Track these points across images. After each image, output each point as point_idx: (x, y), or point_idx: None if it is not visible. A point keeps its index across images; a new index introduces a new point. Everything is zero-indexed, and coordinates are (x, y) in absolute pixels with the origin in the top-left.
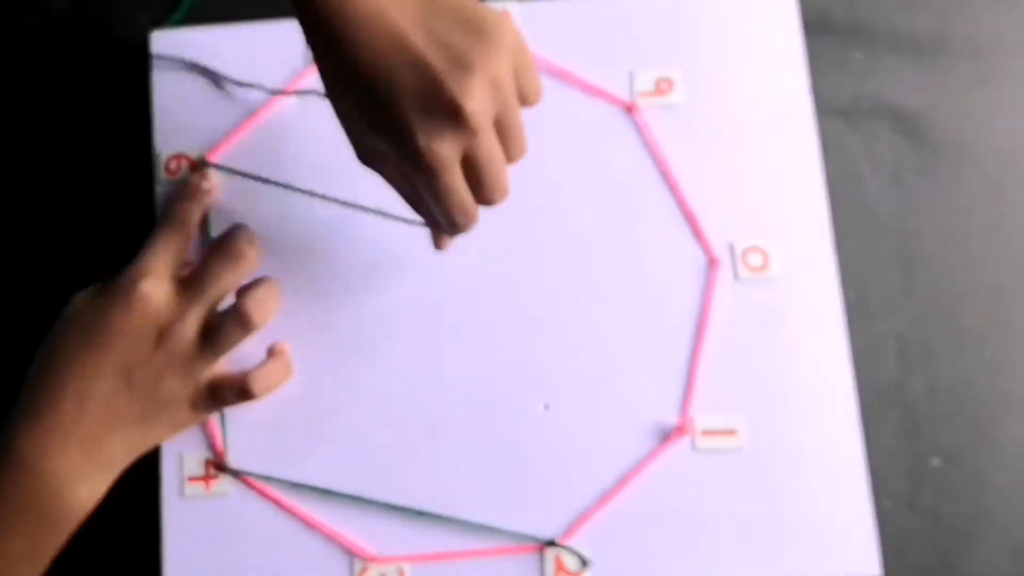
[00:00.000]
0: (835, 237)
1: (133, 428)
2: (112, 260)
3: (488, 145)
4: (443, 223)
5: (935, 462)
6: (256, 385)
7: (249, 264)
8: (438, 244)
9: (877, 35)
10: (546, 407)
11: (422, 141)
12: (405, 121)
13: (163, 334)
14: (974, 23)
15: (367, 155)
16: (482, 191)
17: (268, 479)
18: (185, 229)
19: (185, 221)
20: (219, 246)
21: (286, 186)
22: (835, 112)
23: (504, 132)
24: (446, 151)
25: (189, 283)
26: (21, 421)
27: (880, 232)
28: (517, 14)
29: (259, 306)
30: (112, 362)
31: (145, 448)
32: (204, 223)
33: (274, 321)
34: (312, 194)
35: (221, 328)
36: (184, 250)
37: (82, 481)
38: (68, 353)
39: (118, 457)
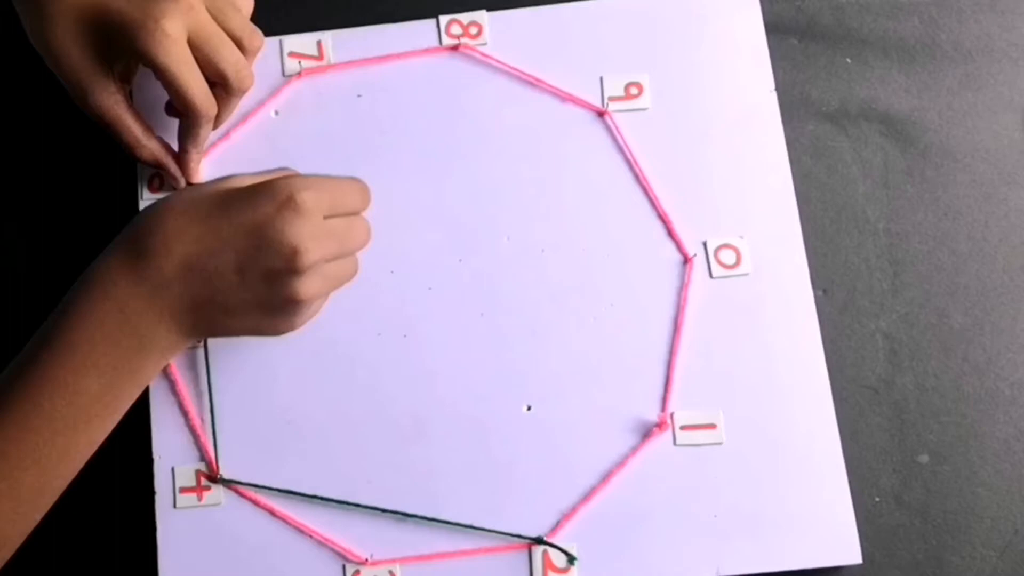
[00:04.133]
0: (825, 239)
1: (223, 316)
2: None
3: (207, 17)
4: (183, 111)
5: (923, 459)
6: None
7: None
8: (185, 170)
9: (866, 40)
10: (528, 408)
11: (150, 23)
12: (130, 18)
13: (305, 253)
14: (961, 28)
15: (95, 91)
16: (220, 69)
17: (259, 488)
18: (357, 195)
19: (363, 192)
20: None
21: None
22: (825, 116)
23: (224, 23)
24: (172, 26)
25: (335, 223)
26: (115, 259)
27: (869, 233)
28: (488, 23)
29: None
30: (235, 249)
31: (224, 335)
32: None
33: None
34: None
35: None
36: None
37: (165, 336)
38: (188, 218)
39: (200, 332)
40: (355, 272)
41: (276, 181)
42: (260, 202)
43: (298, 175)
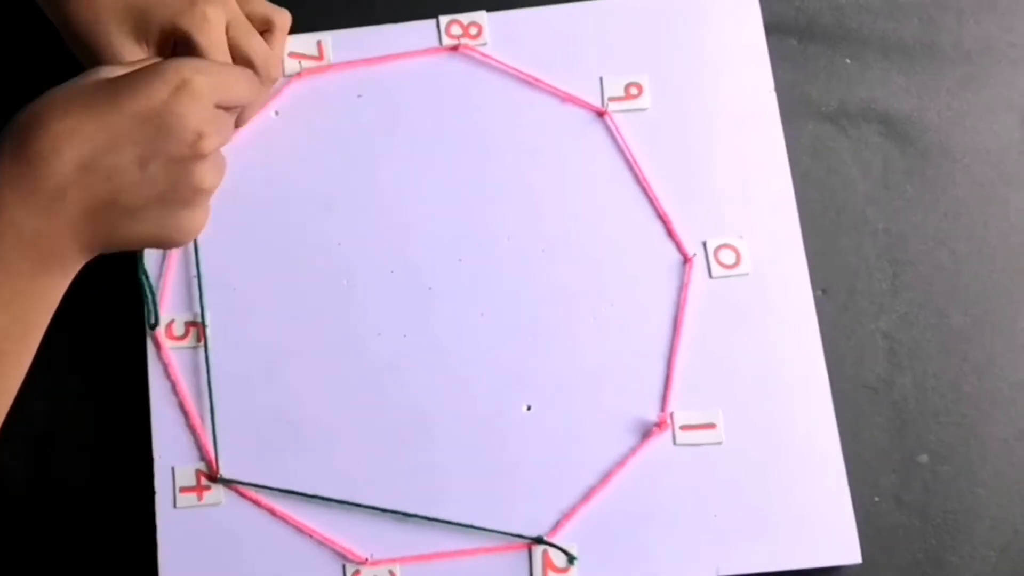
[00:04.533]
0: (824, 239)
1: (124, 218)
2: (102, 270)
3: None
4: None
5: (923, 458)
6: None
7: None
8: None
9: (866, 41)
10: (529, 408)
11: (193, 6)
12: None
13: (206, 138)
14: (961, 28)
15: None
16: (249, 57)
17: (259, 487)
18: (246, 85)
19: (252, 82)
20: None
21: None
22: (824, 116)
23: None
24: (213, 12)
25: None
26: (7, 170)
27: (869, 233)
28: (487, 23)
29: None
30: (137, 143)
31: (120, 247)
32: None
33: (261, 330)
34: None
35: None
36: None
37: (63, 258)
38: (80, 107)
39: (96, 246)
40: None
41: (163, 64)
42: (152, 87)
43: (191, 60)
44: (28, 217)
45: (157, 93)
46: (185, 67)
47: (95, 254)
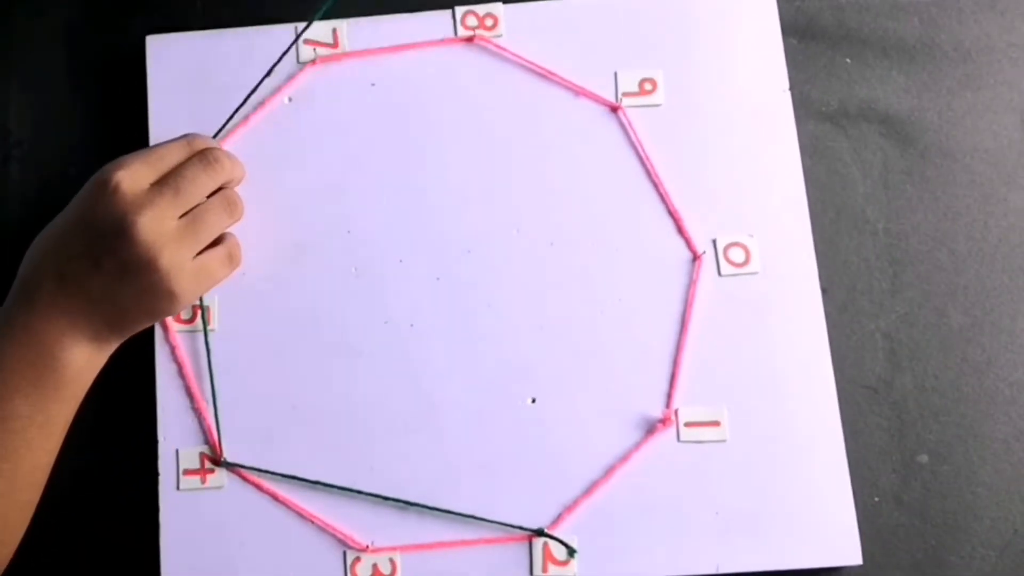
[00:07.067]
0: (824, 239)
1: (111, 309)
2: None
3: None
4: None
5: (923, 459)
6: (239, 250)
7: (223, 170)
8: None
9: (865, 40)
10: (533, 401)
11: None
12: None
13: (134, 224)
14: (961, 28)
15: None
16: None
17: (263, 472)
18: (177, 152)
19: (195, 149)
20: (194, 155)
21: None
22: (825, 116)
23: None
24: None
25: (162, 181)
26: (11, 296)
27: (869, 233)
28: (503, 15)
29: (238, 199)
30: (83, 245)
31: (130, 329)
32: None
33: (270, 315)
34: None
35: (205, 215)
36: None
37: (73, 346)
38: (49, 236)
39: (105, 333)
40: (232, 217)
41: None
42: (81, 195)
43: (120, 158)
44: (34, 320)
45: (83, 198)
46: (106, 166)
47: (112, 343)
